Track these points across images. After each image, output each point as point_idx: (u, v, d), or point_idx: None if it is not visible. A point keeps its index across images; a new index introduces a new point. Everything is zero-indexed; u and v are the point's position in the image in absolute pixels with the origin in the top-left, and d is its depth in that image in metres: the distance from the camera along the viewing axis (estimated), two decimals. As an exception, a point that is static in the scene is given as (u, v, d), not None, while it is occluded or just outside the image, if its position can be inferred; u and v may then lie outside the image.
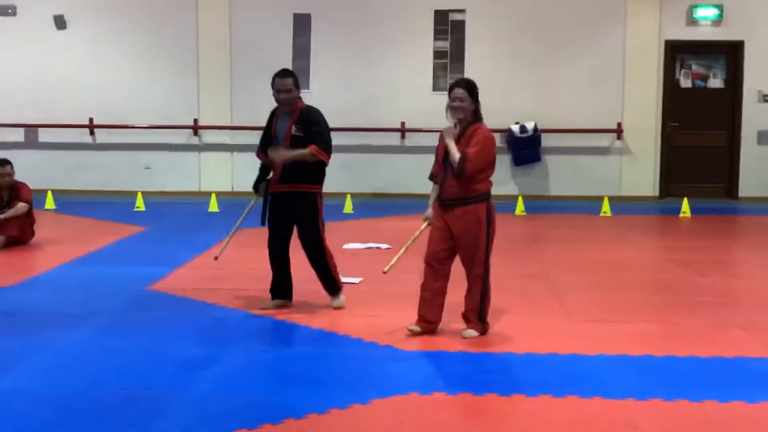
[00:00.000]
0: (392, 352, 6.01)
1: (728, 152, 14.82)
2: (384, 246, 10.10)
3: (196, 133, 15.36)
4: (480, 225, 6.22)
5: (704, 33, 14.69)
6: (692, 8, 14.56)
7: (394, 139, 15.14)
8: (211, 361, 5.82)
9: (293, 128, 7.09)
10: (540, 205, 13.95)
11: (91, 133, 15.34)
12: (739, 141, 14.71)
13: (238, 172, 15.15)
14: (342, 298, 7.28)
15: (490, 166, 6.24)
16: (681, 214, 12.94)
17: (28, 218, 10.00)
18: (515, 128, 14.47)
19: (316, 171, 7.16)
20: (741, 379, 5.44)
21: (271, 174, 7.27)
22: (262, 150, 7.29)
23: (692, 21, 14.63)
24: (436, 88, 15.04)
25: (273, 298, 7.33)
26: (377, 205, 14.00)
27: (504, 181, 14.79)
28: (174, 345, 6.20)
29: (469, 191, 6.19)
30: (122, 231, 11.23)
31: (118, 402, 5.05)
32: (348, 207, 13.21)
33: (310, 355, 5.97)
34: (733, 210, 13.98)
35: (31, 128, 15.33)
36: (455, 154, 6.17)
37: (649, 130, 14.81)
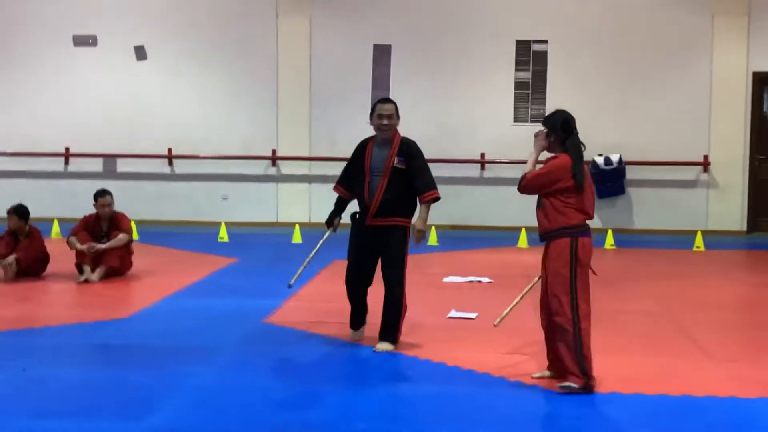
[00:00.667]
0: (545, 394, 5.78)
1: (817, 186, 14.51)
2: (485, 280, 9.90)
3: (274, 164, 15.26)
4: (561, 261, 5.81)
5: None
6: (784, 40, 14.31)
7: (473, 170, 14.96)
8: (367, 398, 5.63)
9: (395, 159, 6.83)
10: (625, 239, 13.66)
11: (170, 163, 15.30)
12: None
13: (316, 204, 15.03)
14: (388, 346, 6.86)
15: (556, 192, 5.81)
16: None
17: (127, 249, 9.90)
18: (599, 160, 14.24)
19: (410, 204, 6.94)
20: None
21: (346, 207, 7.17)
22: (343, 184, 7.10)
23: (784, 52, 14.38)
24: (516, 119, 14.85)
25: (355, 329, 7.18)
26: (459, 237, 13.79)
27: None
28: (314, 382, 6.03)
29: (549, 224, 5.88)
30: (214, 262, 11.10)
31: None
32: (433, 239, 13.02)
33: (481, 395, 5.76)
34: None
35: (110, 158, 15.32)
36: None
37: (736, 163, 14.52)
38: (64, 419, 5.17)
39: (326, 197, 14.64)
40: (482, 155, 14.83)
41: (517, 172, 13.53)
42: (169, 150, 15.21)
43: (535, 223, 6.04)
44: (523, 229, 13.06)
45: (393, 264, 6.82)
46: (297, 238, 13.16)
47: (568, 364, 5.75)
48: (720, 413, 5.41)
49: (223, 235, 13.22)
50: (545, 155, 6.04)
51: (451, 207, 14.79)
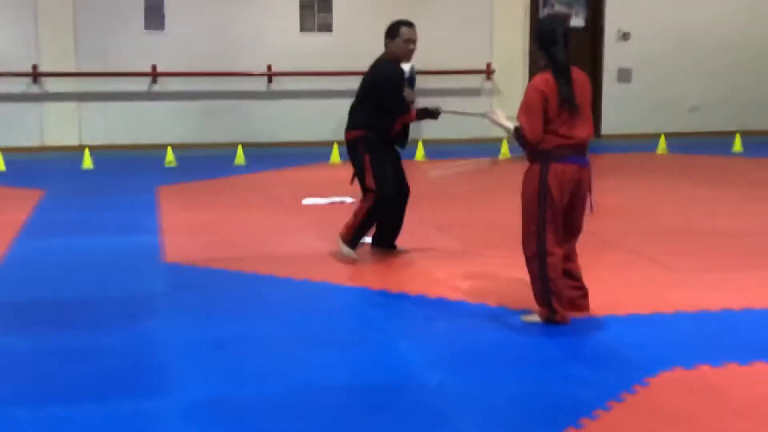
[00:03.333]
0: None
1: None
2: (348, 200, 9.38)
3: (35, 81, 13.61)
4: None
5: (568, -28, 14.82)
6: (558, -54, 14.64)
7: (260, 84, 14.17)
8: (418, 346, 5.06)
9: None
10: (410, 151, 13.46)
11: None
12: (601, 79, 15.04)
13: (87, 125, 13.65)
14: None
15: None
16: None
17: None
18: (392, 70, 13.95)
19: None
20: None
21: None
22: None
23: (558, -41, 14.72)
24: (303, 28, 14.19)
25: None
26: (259, 156, 13.03)
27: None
28: (310, 326, 5.36)
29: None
30: (20, 197, 9.75)
31: (350, 402, 4.25)
32: (240, 158, 12.22)
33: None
34: (601, 148, 14.24)
35: None
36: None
37: (516, 70, 14.80)
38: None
39: (98, 117, 13.54)
40: (269, 67, 14.06)
41: (306, 84, 13.05)
42: None
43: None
44: (335, 144, 12.59)
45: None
46: (88, 163, 11.88)
47: (535, 296, 5.44)
48: (732, 325, 5.36)
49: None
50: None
51: (239, 124, 14.06)
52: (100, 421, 4.02)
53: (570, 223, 5.49)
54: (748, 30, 15.29)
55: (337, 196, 9.52)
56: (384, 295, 6.07)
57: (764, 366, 4.64)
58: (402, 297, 5.98)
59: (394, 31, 6.70)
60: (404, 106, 6.70)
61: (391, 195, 6.73)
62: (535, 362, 4.80)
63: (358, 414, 4.13)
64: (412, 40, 6.70)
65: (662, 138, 13.23)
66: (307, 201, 9.36)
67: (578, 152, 5.38)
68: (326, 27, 14.17)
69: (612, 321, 5.42)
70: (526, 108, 5.29)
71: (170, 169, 11.83)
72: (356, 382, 4.52)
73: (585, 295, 5.62)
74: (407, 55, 6.74)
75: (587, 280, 5.69)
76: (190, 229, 8.09)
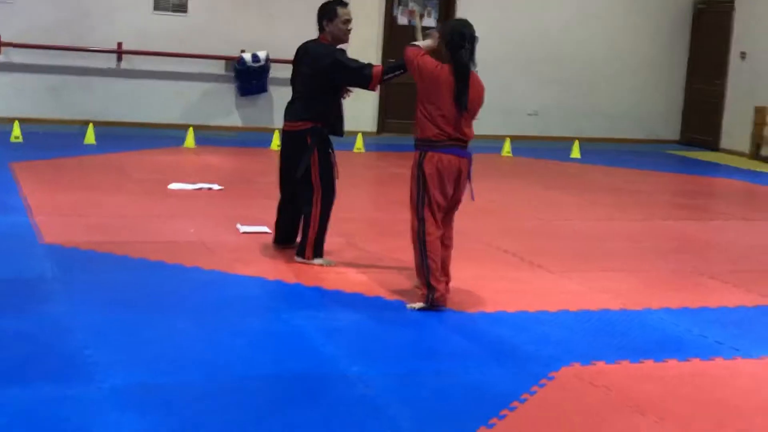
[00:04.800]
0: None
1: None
2: (216, 186, 9.36)
3: None
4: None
5: (422, -27, 15.15)
6: (413, -53, 14.94)
7: (109, 61, 13.80)
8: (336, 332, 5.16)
9: None
10: (264, 138, 13.49)
11: None
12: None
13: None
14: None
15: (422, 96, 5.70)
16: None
17: None
18: (247, 57, 13.91)
19: None
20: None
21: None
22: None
23: (412, -40, 15.02)
24: (157, 7, 13.90)
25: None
26: (113, 135, 12.70)
27: (228, 112, 14.32)
28: (217, 314, 5.37)
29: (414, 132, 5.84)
30: None
31: (277, 391, 4.34)
32: (90, 137, 11.90)
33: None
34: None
35: None
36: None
37: (369, 65, 14.99)
38: None
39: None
40: (119, 45, 13.71)
41: (156, 64, 12.91)
42: None
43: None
44: (191, 128, 12.47)
45: None
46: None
47: (417, 274, 5.78)
48: (608, 324, 5.73)
49: None
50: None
51: (87, 101, 13.66)
52: (28, 405, 3.95)
53: (447, 212, 5.85)
54: (583, 41, 16.06)
55: (204, 182, 9.44)
56: (281, 285, 6.14)
57: (653, 364, 5.02)
58: (299, 288, 6.07)
59: (331, 11, 6.52)
60: (366, 70, 6.39)
61: (334, 193, 6.64)
62: (445, 355, 5.02)
63: (289, 404, 4.21)
64: (350, 20, 6.55)
65: (507, 141, 13.75)
66: (174, 186, 9.25)
67: (458, 144, 5.76)
68: (181, 7, 13.95)
69: (504, 317, 5.71)
70: (421, 53, 5.74)
71: (17, 144, 11.38)
72: (278, 371, 4.60)
73: (448, 282, 5.91)
74: (346, 36, 6.57)
75: (469, 277, 6.07)
76: (60, 210, 7.89)
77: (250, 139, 13.45)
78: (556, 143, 15.43)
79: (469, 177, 5.87)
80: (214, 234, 7.40)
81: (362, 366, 4.71)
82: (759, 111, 15.19)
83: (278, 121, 14.00)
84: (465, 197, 5.93)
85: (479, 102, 5.85)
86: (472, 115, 5.81)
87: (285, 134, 6.74)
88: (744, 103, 15.58)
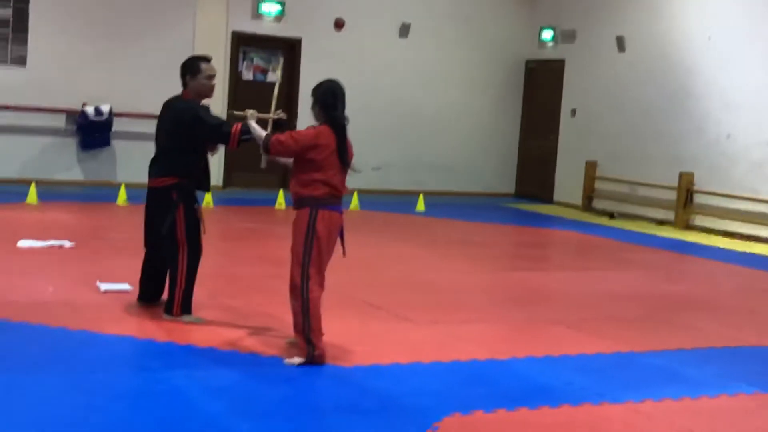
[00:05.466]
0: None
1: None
2: (67, 243, 9.12)
3: None
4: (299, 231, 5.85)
5: (267, 28, 15.30)
6: (258, 3, 15.07)
7: (-57, 115, 13.29)
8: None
9: None
10: (107, 193, 13.25)
11: None
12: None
13: None
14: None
15: (306, 161, 5.78)
16: (276, 206, 13.43)
17: None
18: (90, 110, 13.65)
19: None
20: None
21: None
22: None
23: (258, 15, 15.14)
24: (-5, 60, 13.52)
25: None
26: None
27: (70, 166, 13.98)
28: (91, 377, 5.24)
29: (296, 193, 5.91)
30: None
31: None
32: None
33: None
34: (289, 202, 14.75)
35: None
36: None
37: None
38: None
39: None
40: (-46, 99, 13.23)
41: None
42: None
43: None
44: (33, 184, 12.11)
45: None
46: None
47: (296, 331, 5.84)
48: (465, 375, 5.91)
49: None
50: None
51: None
52: None
53: (326, 265, 5.95)
54: (422, 98, 16.57)
55: (54, 239, 9.19)
56: (153, 344, 6.04)
57: (528, 411, 5.21)
58: (172, 346, 6.00)
59: (195, 67, 6.51)
60: (225, 127, 6.37)
61: (200, 246, 6.60)
62: (330, 411, 5.07)
63: (184, 466, 4.16)
64: (213, 75, 6.58)
65: (355, 195, 13.96)
66: (24, 243, 8.96)
67: (340, 202, 5.95)
68: (20, 60, 13.57)
69: (381, 370, 5.81)
70: (298, 135, 5.81)
71: None
72: (167, 434, 4.53)
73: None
74: (210, 91, 6.59)
75: (340, 331, 6.29)
76: None
77: (94, 194, 13.18)
78: (399, 197, 15.77)
79: (341, 233, 5.99)
80: (75, 293, 7.21)
81: (251, 424, 4.71)
82: (589, 165, 16.00)
83: (121, 176, 13.93)
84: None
85: (352, 156, 6.01)
86: (349, 169, 5.97)
87: (150, 191, 6.66)
88: (575, 158, 16.39)
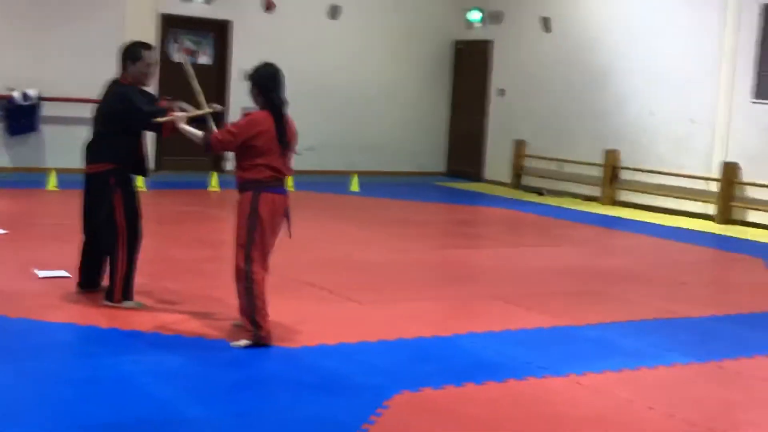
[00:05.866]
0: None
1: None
2: (0, 231, 8.97)
3: None
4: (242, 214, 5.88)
5: (197, 10, 15.14)
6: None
7: None
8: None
9: None
10: (36, 178, 13.06)
11: None
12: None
13: None
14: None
15: (247, 148, 5.79)
16: (209, 188, 13.36)
17: None
18: (17, 95, 13.40)
19: None
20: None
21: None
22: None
23: (186, -3, 15.01)
24: None
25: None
26: None
27: (-4, 152, 13.75)
28: (41, 365, 5.20)
29: (239, 177, 5.94)
30: None
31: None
32: None
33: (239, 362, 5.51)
34: (227, 183, 14.68)
35: None
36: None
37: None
38: None
39: None
40: None
41: None
42: None
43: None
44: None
45: None
46: None
47: (241, 313, 5.87)
48: (416, 351, 6.01)
49: None
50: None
51: None
52: None
53: (271, 247, 5.94)
54: (353, 78, 16.59)
55: (-14, 226, 9.06)
56: (97, 330, 6.01)
57: (475, 387, 5.32)
58: (116, 332, 5.97)
59: (135, 54, 6.49)
60: (159, 115, 6.29)
61: (140, 231, 6.58)
62: (280, 391, 5.11)
63: (140, 450, 4.18)
64: (153, 64, 6.60)
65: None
66: (-46, 231, 8.80)
67: (283, 184, 5.96)
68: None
69: (328, 350, 5.86)
70: (236, 128, 5.83)
71: None
72: (119, 419, 4.52)
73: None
74: (148, 79, 6.59)
75: (285, 312, 6.35)
76: None
77: (23, 180, 12.97)
78: (332, 177, 15.80)
79: (287, 214, 6.02)
80: (12, 281, 7.13)
81: (202, 408, 4.73)
82: (518, 143, 16.21)
83: (51, 161, 13.68)
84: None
85: (295, 138, 6.04)
86: (291, 152, 6.00)
87: (87, 176, 6.61)
88: (504, 137, 16.61)
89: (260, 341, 5.76)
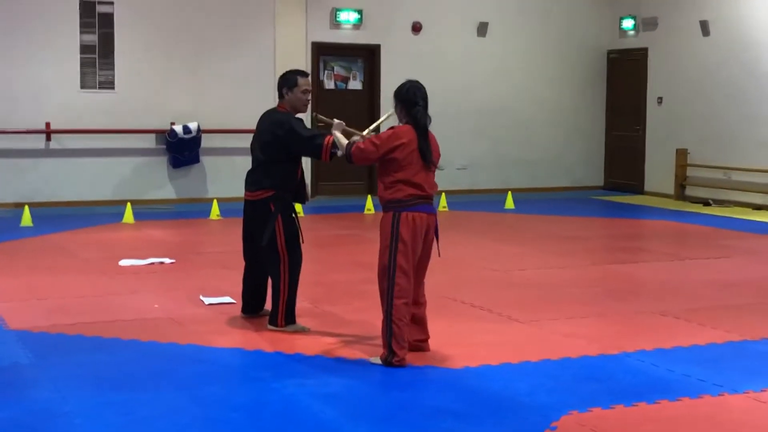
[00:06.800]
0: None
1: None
2: (167, 260, 9.26)
3: None
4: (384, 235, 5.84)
5: (346, 36, 15.35)
6: (336, 11, 15.14)
7: (38, 141, 13.60)
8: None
9: None
10: (199, 208, 13.44)
11: None
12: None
13: None
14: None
15: (387, 162, 5.76)
16: (365, 211, 13.46)
17: None
18: (178, 128, 13.86)
19: None
20: None
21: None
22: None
23: (335, 24, 15.21)
24: (84, 85, 13.78)
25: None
26: (47, 216, 12.49)
27: (161, 185, 14.19)
28: (206, 390, 5.30)
29: (381, 197, 5.88)
30: None
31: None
32: (27, 219, 11.67)
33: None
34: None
35: None
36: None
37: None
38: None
39: None
40: (47, 124, 13.54)
41: (86, 142, 12.94)
42: None
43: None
44: (129, 204, 12.32)
45: None
46: None
47: (382, 334, 5.82)
48: (588, 370, 5.82)
49: None
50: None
51: (15, 183, 13.43)
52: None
53: (420, 269, 5.89)
54: (505, 95, 16.42)
55: (154, 257, 9.35)
56: (262, 354, 6.09)
57: (647, 406, 5.10)
58: (280, 356, 6.03)
59: (291, 81, 6.60)
60: (318, 140, 6.43)
61: (300, 256, 6.67)
62: (445, 414, 5.01)
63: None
64: (309, 90, 6.70)
65: (443, 195, 13.91)
66: (125, 262, 9.12)
67: (427, 202, 5.85)
68: (108, 84, 13.85)
69: (490, 371, 5.75)
70: (378, 140, 5.79)
71: (-50, 230, 11.12)
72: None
73: (427, 340, 6.06)
74: (304, 106, 6.67)
75: (444, 332, 6.24)
76: (17, 295, 7.71)
77: (187, 210, 13.38)
78: (486, 195, 15.69)
79: (436, 233, 5.94)
80: (180, 308, 7.32)
81: (368, 428, 4.70)
82: (680, 153, 15.69)
83: (213, 191, 14.11)
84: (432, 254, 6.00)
85: (438, 155, 5.98)
86: (434, 170, 5.93)
87: (247, 203, 6.73)
88: (664, 146, 16.09)
89: (391, 366, 5.72)
